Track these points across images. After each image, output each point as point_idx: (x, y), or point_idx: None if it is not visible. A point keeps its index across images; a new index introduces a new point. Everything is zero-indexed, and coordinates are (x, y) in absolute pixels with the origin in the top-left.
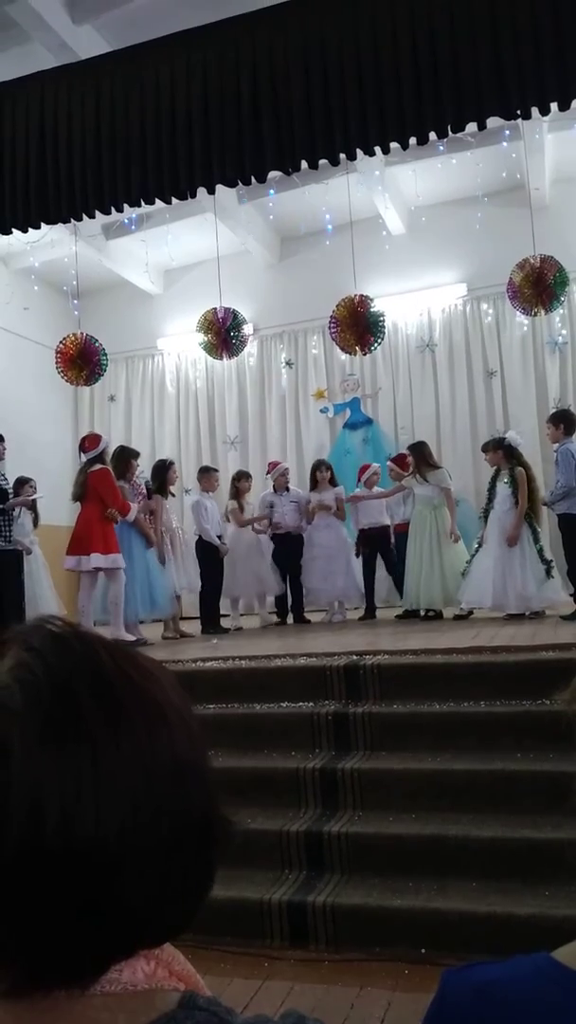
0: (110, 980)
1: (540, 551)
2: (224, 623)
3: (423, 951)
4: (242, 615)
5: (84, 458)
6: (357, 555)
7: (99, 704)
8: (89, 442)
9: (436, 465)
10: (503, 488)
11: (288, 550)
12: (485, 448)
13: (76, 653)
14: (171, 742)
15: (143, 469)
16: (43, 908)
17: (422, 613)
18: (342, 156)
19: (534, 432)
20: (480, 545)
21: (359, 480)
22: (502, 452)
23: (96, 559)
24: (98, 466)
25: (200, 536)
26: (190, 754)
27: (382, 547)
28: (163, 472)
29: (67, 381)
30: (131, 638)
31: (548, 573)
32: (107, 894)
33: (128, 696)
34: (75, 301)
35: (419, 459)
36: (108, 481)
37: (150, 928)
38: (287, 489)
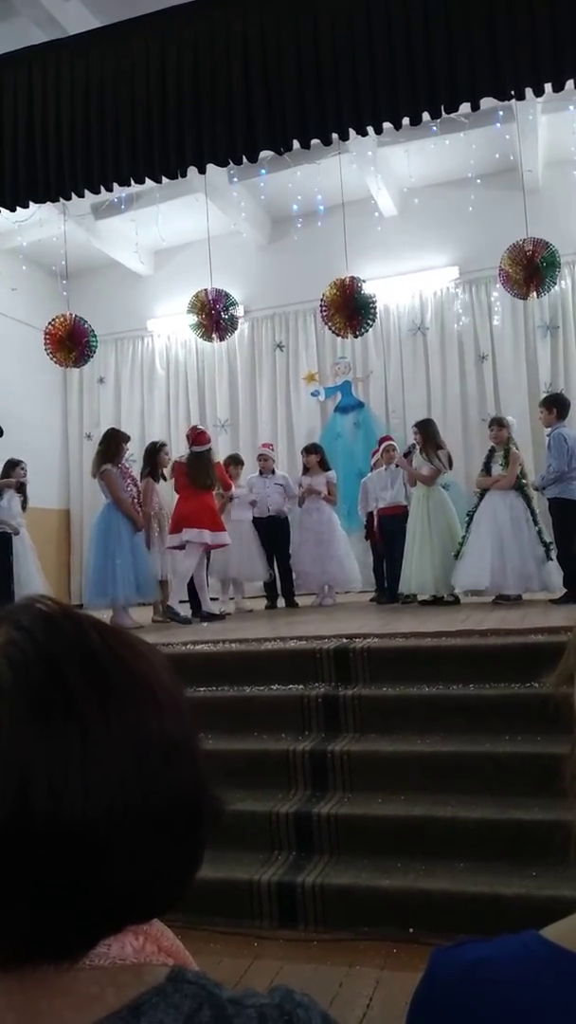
0: (99, 955)
1: (539, 532)
2: (214, 606)
3: (411, 931)
4: (231, 598)
5: (193, 449)
6: (367, 538)
7: (88, 683)
8: (202, 437)
9: (442, 446)
10: (498, 470)
11: (272, 533)
12: (499, 423)
13: (65, 632)
14: (160, 721)
15: (132, 452)
16: (30, 885)
17: (419, 598)
18: (334, 136)
19: (525, 416)
20: (470, 518)
21: (377, 453)
22: (507, 431)
23: (207, 535)
24: (217, 462)
25: None
26: (179, 734)
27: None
28: (154, 455)
29: (56, 363)
30: (180, 612)
31: (547, 555)
32: (95, 872)
33: (117, 675)
34: (64, 282)
35: (426, 437)
36: (225, 476)
37: (138, 905)
38: (272, 472)
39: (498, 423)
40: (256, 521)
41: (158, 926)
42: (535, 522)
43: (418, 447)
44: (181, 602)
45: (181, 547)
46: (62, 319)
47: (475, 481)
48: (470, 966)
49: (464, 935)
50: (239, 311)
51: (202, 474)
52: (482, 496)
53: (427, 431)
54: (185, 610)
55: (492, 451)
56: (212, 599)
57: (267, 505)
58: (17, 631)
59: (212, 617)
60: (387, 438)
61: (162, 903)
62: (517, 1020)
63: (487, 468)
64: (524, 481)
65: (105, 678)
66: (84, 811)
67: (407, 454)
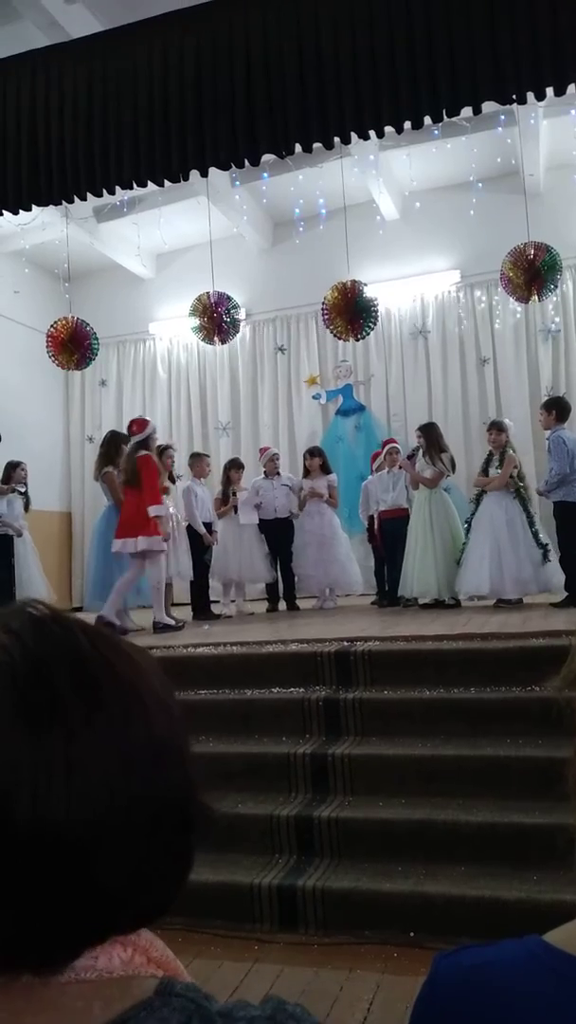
0: (85, 967)
1: (536, 535)
2: (215, 609)
3: (412, 935)
4: (232, 601)
5: (132, 442)
6: (368, 541)
7: (75, 687)
8: (137, 426)
9: (445, 449)
10: (496, 474)
11: (278, 536)
12: (499, 427)
13: (54, 636)
14: (149, 727)
15: None
16: (10, 891)
17: (420, 601)
18: (336, 139)
19: (526, 420)
20: (469, 525)
21: (380, 455)
22: (505, 435)
23: (141, 542)
24: (143, 452)
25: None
26: (169, 739)
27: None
28: (157, 457)
29: (58, 365)
30: (171, 621)
31: (545, 557)
32: (79, 877)
33: (105, 680)
34: (66, 284)
35: (430, 440)
36: (149, 468)
37: (125, 913)
38: (277, 474)
39: (497, 427)
40: (263, 523)
41: (147, 936)
42: (532, 524)
43: (421, 450)
44: (182, 604)
45: (142, 555)
46: (64, 322)
47: (472, 481)
48: (473, 971)
49: (465, 939)
50: (241, 314)
51: (124, 470)
52: (479, 501)
53: (430, 434)
54: (186, 612)
55: (490, 455)
56: (213, 601)
57: (273, 507)
58: (6, 635)
59: (167, 628)
60: (391, 441)
61: (151, 911)
62: None
63: (485, 472)
64: (521, 484)
65: (93, 683)
66: (68, 816)
67: (411, 457)
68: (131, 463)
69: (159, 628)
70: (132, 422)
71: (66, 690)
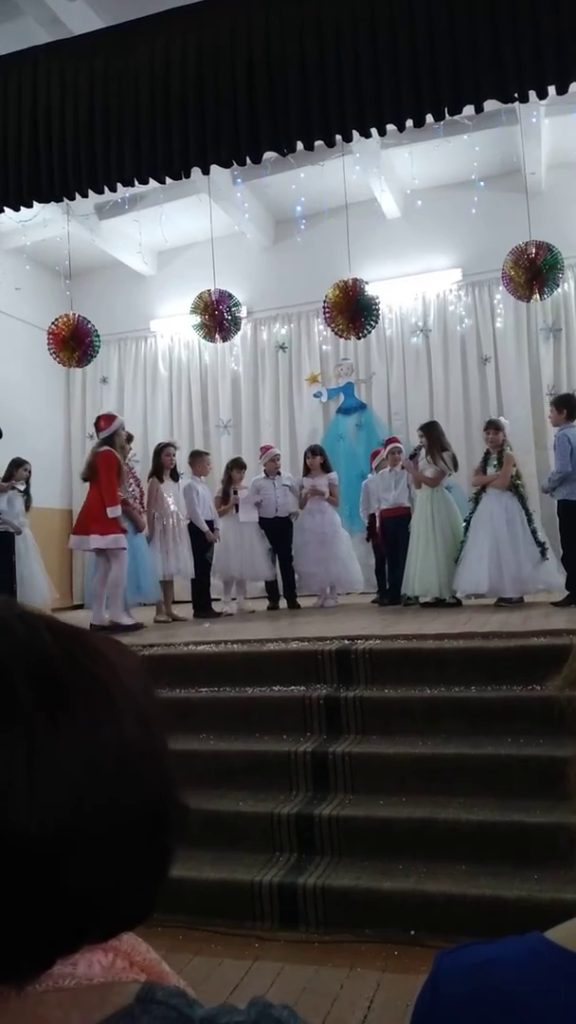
0: (64, 975)
1: (534, 532)
2: (216, 607)
3: (413, 933)
4: (233, 599)
5: (98, 438)
6: (368, 540)
7: (36, 688)
8: (104, 421)
9: (447, 448)
10: (493, 473)
11: (277, 534)
12: (495, 426)
13: (16, 635)
14: (118, 727)
15: (135, 452)
16: None
17: (421, 600)
18: (338, 137)
19: (527, 419)
20: (467, 524)
21: (380, 454)
22: (502, 434)
23: (95, 540)
24: (104, 448)
25: (191, 521)
26: (141, 739)
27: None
28: (156, 456)
29: (59, 363)
30: (129, 621)
31: (543, 555)
32: (46, 886)
33: (71, 679)
34: (67, 281)
35: (432, 440)
36: (106, 464)
37: (98, 920)
38: (278, 473)
39: (493, 426)
40: (262, 521)
41: (129, 940)
42: (530, 522)
43: (423, 449)
44: (184, 602)
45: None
46: (65, 319)
47: (471, 479)
48: (475, 969)
49: (466, 937)
50: (242, 312)
51: (86, 464)
52: (478, 499)
53: (432, 433)
54: (187, 610)
55: (487, 454)
56: (214, 599)
57: (274, 506)
58: None
59: (124, 628)
60: (393, 439)
61: (128, 917)
62: (523, 1023)
63: (483, 472)
64: (519, 482)
65: (56, 682)
66: (29, 821)
67: (412, 456)
68: (92, 458)
69: (116, 628)
70: (99, 418)
71: (26, 691)
